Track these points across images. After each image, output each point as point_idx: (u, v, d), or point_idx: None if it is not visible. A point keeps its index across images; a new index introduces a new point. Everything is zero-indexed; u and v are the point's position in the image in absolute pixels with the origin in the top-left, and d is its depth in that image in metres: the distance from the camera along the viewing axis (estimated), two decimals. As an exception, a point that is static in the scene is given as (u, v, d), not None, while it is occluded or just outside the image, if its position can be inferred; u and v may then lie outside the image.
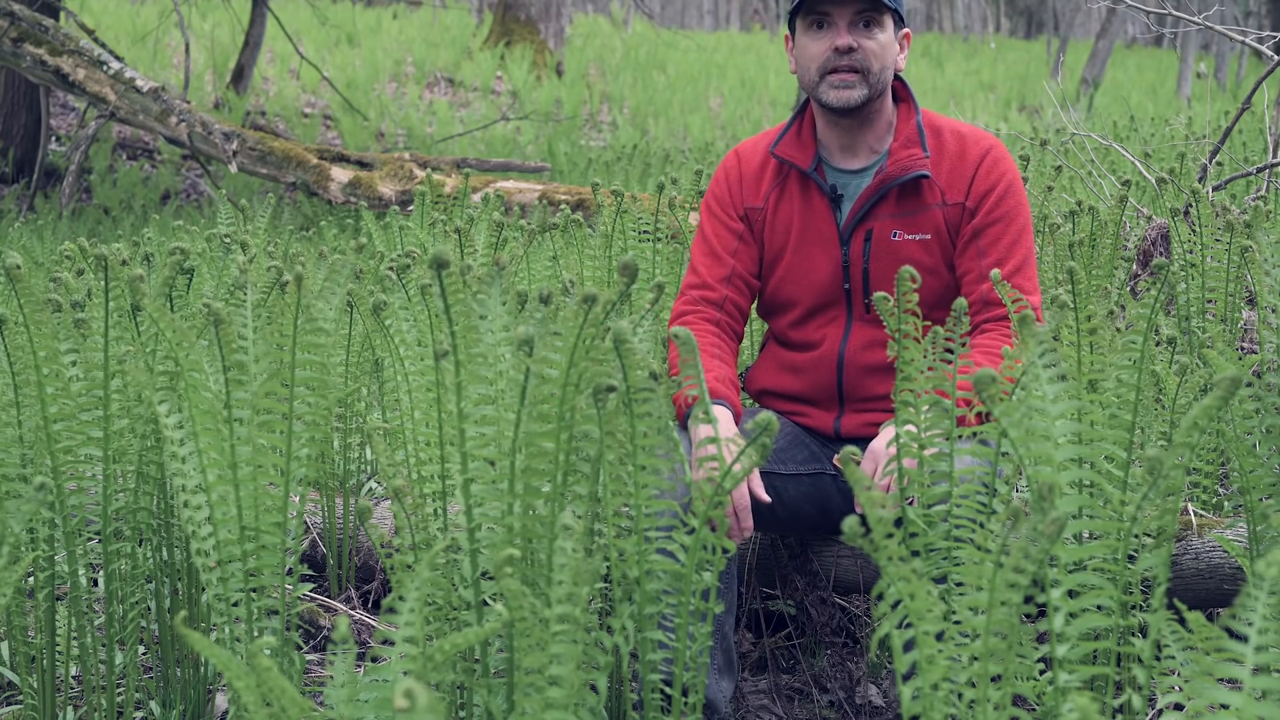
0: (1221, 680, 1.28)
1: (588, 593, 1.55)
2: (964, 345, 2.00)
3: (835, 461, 2.41)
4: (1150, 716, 2.28)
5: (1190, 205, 4.34)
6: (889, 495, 1.97)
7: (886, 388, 2.43)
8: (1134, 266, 4.35)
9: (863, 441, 2.40)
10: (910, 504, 1.97)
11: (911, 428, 1.96)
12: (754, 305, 2.70)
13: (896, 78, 2.57)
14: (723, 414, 2.34)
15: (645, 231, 3.64)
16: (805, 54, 2.51)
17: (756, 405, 2.71)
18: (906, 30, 2.55)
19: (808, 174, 2.55)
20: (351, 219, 7.54)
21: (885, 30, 2.48)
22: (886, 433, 2.27)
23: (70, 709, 2.39)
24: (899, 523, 1.97)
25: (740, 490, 2.21)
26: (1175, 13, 5.65)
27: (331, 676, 1.45)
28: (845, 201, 2.55)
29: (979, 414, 1.99)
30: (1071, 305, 2.21)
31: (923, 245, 2.51)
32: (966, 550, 1.56)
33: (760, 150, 2.64)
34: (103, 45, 8.63)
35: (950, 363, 1.98)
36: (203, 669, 2.42)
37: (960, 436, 1.93)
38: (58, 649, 2.33)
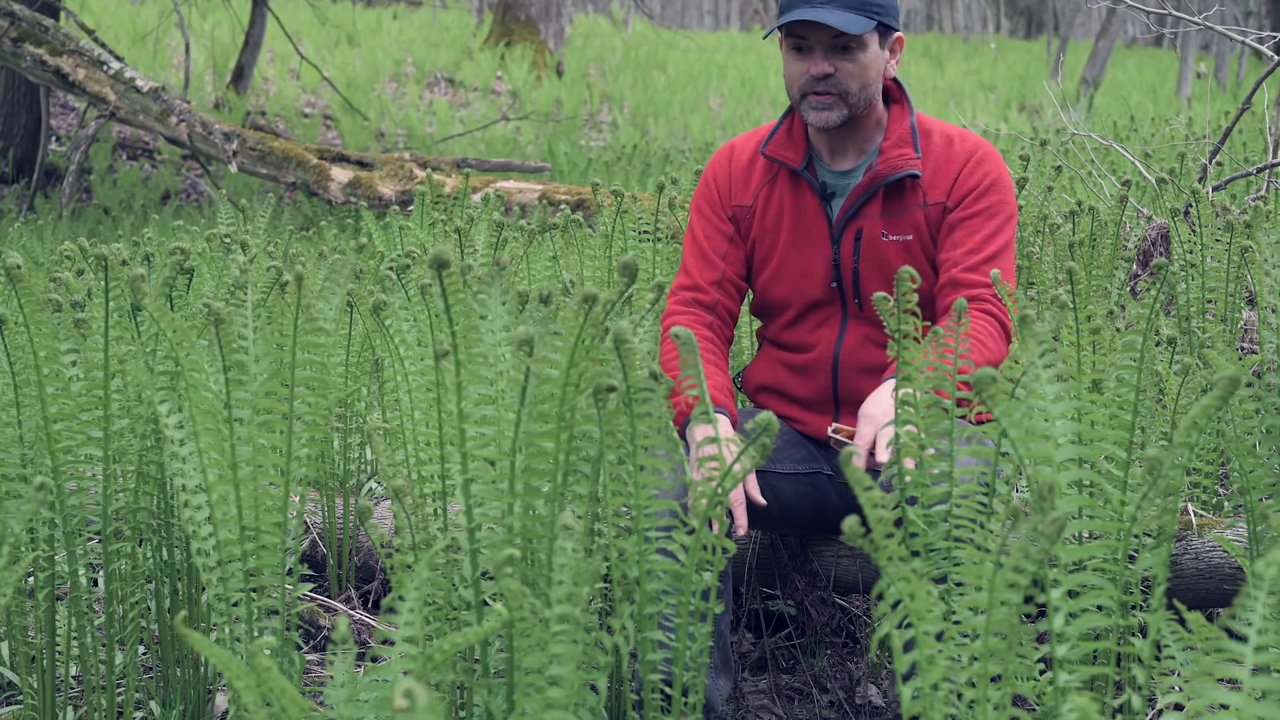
0: (1221, 680, 1.28)
1: (588, 593, 1.55)
2: (964, 344, 2.00)
3: (829, 432, 2.38)
4: (1150, 716, 2.28)
5: (1190, 205, 4.34)
6: (889, 495, 1.97)
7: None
8: (1134, 266, 4.35)
9: None
10: (911, 504, 1.97)
11: (911, 428, 1.96)
12: (746, 306, 2.68)
13: (891, 79, 2.54)
14: (722, 421, 2.32)
15: (645, 231, 3.64)
16: (788, 71, 2.49)
17: (753, 406, 2.71)
18: (899, 35, 2.49)
19: (798, 172, 2.54)
20: (351, 219, 7.54)
21: (867, 49, 2.43)
22: (878, 395, 2.25)
23: (70, 709, 2.39)
24: (899, 523, 1.97)
25: (735, 489, 2.21)
26: (1175, 13, 5.65)
27: (331, 676, 1.45)
28: (836, 199, 2.54)
29: (977, 414, 1.99)
30: (1071, 305, 2.21)
31: (903, 246, 2.49)
32: (966, 550, 1.56)
33: (751, 148, 2.62)
34: (103, 45, 8.63)
35: (949, 361, 1.98)
36: (203, 669, 2.42)
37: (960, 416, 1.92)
38: (58, 649, 2.33)
